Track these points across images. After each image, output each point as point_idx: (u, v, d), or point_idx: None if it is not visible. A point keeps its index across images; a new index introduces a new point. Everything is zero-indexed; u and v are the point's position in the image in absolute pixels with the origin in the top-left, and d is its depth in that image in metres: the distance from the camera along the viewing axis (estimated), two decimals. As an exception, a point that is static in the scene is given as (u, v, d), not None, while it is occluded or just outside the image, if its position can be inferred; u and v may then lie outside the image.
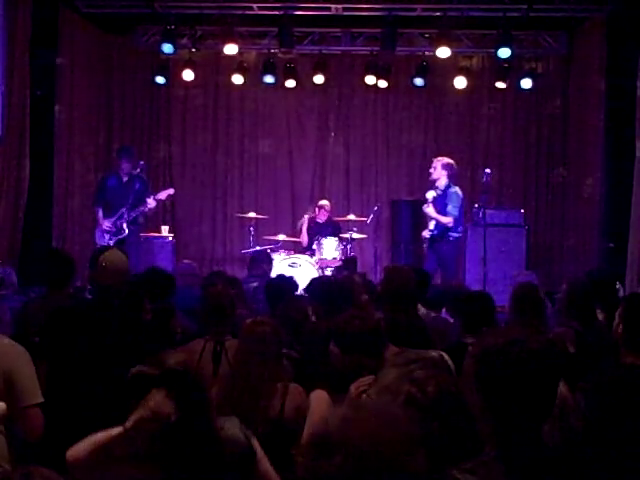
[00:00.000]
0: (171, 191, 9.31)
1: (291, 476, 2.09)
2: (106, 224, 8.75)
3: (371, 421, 1.47)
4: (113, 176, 9.03)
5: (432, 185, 8.53)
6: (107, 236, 8.72)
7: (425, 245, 8.74)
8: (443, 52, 9.48)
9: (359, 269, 9.92)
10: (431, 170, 8.56)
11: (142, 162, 9.50)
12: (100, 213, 8.85)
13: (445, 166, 8.47)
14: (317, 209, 10.09)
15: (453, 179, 8.50)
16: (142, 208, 8.73)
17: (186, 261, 9.79)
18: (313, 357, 3.74)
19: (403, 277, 4.63)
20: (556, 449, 1.97)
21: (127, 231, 8.74)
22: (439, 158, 8.69)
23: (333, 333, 3.21)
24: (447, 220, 8.30)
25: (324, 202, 10.18)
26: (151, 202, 8.72)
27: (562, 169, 10.91)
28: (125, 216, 8.70)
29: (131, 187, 8.78)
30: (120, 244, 8.55)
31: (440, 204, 8.36)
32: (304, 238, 9.95)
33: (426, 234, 8.51)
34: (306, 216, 10.09)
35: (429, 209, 8.39)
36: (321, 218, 10.00)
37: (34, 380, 2.88)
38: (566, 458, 1.94)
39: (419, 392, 2.00)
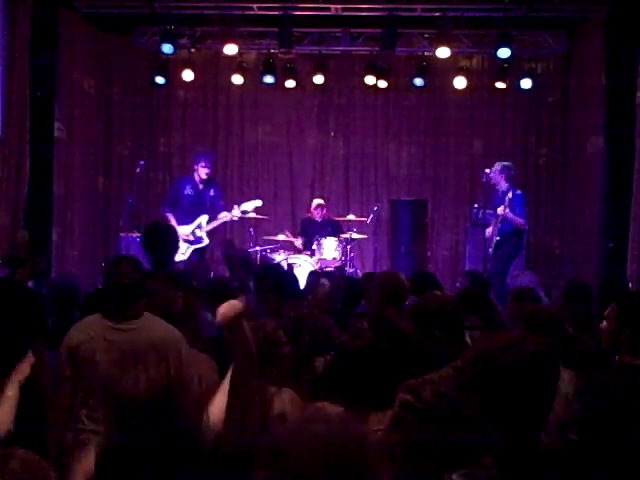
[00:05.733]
0: (259, 203, 8.90)
1: None
2: (184, 233, 8.47)
3: (319, 437, 1.39)
4: (188, 183, 8.77)
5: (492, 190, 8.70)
6: (185, 245, 8.44)
7: (491, 250, 8.59)
8: (443, 52, 9.48)
9: (360, 269, 9.95)
10: (491, 174, 8.64)
11: (142, 162, 9.51)
12: (173, 220, 8.56)
13: (503, 169, 8.63)
14: (314, 210, 10.07)
15: (511, 181, 8.65)
16: (223, 219, 8.53)
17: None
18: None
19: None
20: (553, 454, 1.96)
21: (207, 241, 8.58)
22: (497, 163, 8.82)
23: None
24: (522, 222, 8.51)
25: (319, 200, 10.17)
26: (236, 214, 8.52)
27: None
28: (203, 226, 8.54)
29: (206, 194, 8.62)
30: (198, 253, 8.47)
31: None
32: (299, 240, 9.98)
33: (496, 237, 8.49)
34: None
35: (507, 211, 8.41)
36: (318, 217, 9.99)
37: None
38: (563, 462, 1.93)
39: (414, 398, 1.99)
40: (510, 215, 8.42)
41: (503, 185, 8.60)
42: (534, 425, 1.90)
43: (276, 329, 3.37)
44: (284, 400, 3.13)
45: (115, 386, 2.95)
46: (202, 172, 8.70)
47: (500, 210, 8.39)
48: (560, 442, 2.47)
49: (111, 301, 3.45)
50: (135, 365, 2.47)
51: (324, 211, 10.04)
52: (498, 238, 8.48)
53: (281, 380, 3.21)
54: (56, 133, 9.44)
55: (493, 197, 8.79)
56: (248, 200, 11.24)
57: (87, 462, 2.31)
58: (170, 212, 8.77)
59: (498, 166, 8.74)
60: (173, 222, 8.57)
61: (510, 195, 8.40)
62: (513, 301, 4.72)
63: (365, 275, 6.47)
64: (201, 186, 8.71)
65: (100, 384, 3.21)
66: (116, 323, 3.39)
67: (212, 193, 8.72)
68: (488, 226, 8.77)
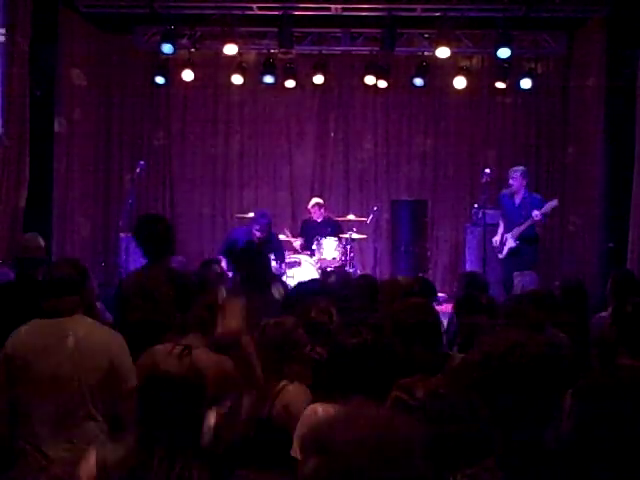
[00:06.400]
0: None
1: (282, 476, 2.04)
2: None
3: (362, 425, 1.41)
4: (245, 237, 8.55)
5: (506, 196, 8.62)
6: None
7: (502, 255, 8.51)
8: (443, 52, 9.48)
9: (360, 269, 9.95)
10: (511, 182, 8.54)
11: (142, 162, 9.52)
12: (224, 263, 8.59)
13: (524, 174, 8.56)
14: (311, 209, 10.02)
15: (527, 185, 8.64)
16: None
17: (178, 258, 9.74)
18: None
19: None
20: (556, 455, 1.96)
21: None
22: (515, 168, 8.71)
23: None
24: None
25: (317, 200, 10.11)
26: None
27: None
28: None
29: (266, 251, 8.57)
30: None
31: (526, 210, 8.35)
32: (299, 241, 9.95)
33: (511, 244, 8.39)
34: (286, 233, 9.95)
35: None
36: (317, 217, 9.96)
37: (131, 365, 3.16)
38: (565, 463, 1.93)
39: (408, 396, 1.99)
40: (542, 218, 8.35)
41: (522, 190, 8.54)
42: (539, 425, 1.90)
43: (296, 327, 3.36)
44: (290, 392, 3.15)
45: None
46: (255, 235, 8.58)
47: (537, 214, 8.21)
48: (560, 442, 2.48)
49: (44, 297, 3.33)
50: None
51: (322, 210, 9.98)
52: (518, 243, 8.37)
53: (300, 378, 3.21)
54: (56, 132, 9.45)
55: (505, 203, 8.64)
56: (248, 199, 11.32)
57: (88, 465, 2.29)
58: (224, 257, 8.74)
59: (518, 171, 8.60)
60: (224, 265, 8.55)
61: (540, 198, 8.44)
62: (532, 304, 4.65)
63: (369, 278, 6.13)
64: (257, 241, 8.55)
65: (39, 390, 3.11)
66: (53, 325, 3.25)
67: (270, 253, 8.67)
68: (489, 226, 8.76)
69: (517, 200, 8.53)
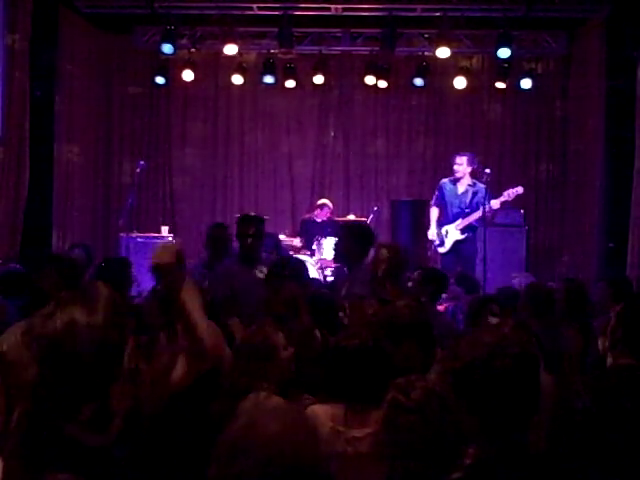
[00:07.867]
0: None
1: None
2: None
3: (274, 424, 1.42)
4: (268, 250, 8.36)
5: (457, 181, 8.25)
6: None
7: (445, 249, 8.27)
8: (443, 52, 9.47)
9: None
10: (455, 167, 8.21)
11: (142, 162, 9.52)
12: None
13: (473, 159, 8.20)
14: (318, 208, 10.08)
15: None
16: None
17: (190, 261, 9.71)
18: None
19: None
20: (540, 457, 1.96)
21: None
22: (462, 153, 8.38)
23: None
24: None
25: (325, 200, 10.18)
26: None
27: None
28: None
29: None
30: None
31: (471, 200, 8.09)
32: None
33: (457, 236, 8.11)
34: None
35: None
36: (321, 217, 9.99)
37: None
38: (552, 466, 1.92)
39: (404, 398, 1.99)
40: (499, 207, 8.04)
41: (467, 178, 8.19)
42: (520, 426, 1.89)
43: (277, 331, 3.33)
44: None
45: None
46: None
47: (497, 203, 7.98)
48: (546, 444, 2.47)
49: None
50: None
51: (325, 211, 10.03)
52: (466, 235, 8.10)
53: (279, 383, 3.16)
54: (56, 133, 9.45)
55: (445, 190, 8.29)
56: (248, 199, 11.32)
57: None
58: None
59: (465, 156, 8.21)
60: None
61: (485, 187, 7.97)
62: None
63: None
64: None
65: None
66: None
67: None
68: (488, 226, 8.70)
69: (460, 188, 8.19)
